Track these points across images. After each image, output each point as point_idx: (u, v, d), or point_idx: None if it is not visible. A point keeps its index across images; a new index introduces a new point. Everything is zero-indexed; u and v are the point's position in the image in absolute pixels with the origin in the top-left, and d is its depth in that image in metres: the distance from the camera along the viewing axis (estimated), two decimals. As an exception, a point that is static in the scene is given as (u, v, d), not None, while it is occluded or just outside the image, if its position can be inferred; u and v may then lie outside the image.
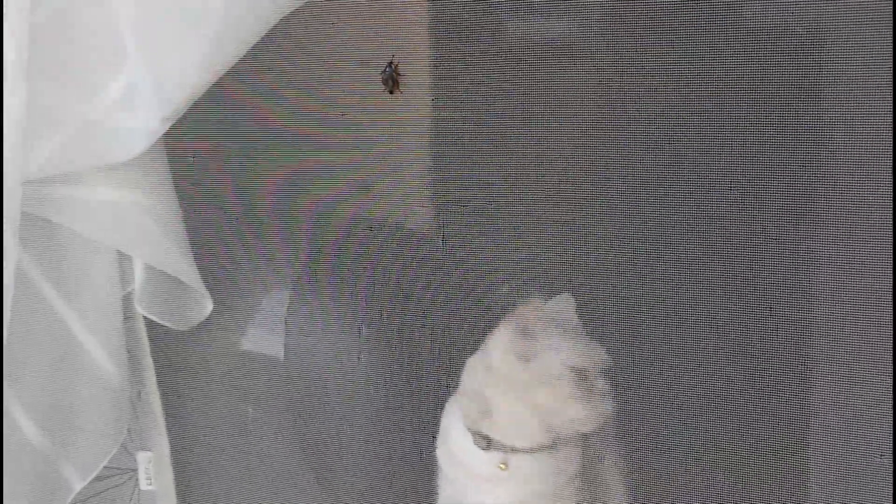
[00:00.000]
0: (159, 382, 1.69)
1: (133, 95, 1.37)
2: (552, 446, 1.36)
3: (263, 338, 1.71)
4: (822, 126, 1.37)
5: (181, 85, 1.35)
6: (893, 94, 1.26)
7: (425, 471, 1.45)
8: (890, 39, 1.26)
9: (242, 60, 1.38)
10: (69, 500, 1.58)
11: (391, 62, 1.49)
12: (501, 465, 1.37)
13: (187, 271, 1.57)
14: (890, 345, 1.30)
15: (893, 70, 1.25)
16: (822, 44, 1.35)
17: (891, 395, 1.31)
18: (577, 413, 1.33)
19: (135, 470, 1.71)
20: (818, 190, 1.37)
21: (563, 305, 1.43)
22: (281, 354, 1.70)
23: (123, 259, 1.58)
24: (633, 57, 1.47)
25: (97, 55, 1.36)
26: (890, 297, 1.29)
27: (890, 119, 1.27)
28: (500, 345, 1.36)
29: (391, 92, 1.51)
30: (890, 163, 1.27)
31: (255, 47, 1.38)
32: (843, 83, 1.35)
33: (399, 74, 1.50)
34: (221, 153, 1.65)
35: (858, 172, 1.35)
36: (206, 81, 1.34)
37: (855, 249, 1.35)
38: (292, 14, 1.35)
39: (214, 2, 1.27)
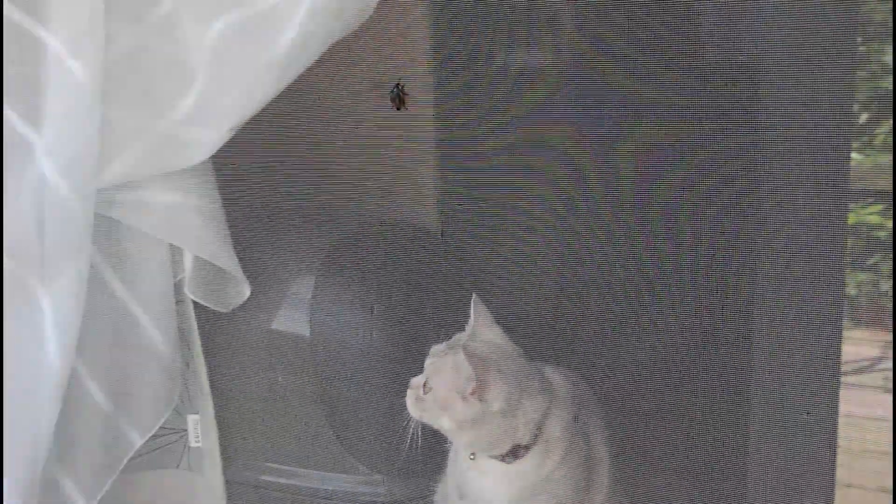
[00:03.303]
0: (205, 356, 1.78)
1: (202, 111, 1.47)
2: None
3: (292, 317, 1.79)
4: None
5: (246, 104, 1.44)
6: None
7: (429, 428, 1.48)
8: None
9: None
10: (131, 454, 1.71)
11: (398, 83, 1.61)
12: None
13: (229, 261, 1.67)
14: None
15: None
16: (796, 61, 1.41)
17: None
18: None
19: (185, 430, 1.80)
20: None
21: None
22: (307, 332, 1.79)
23: (175, 251, 1.68)
24: (617, 79, 1.56)
25: (168, 80, 1.47)
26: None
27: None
28: None
29: (398, 108, 1.62)
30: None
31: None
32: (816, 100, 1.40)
33: (405, 94, 1.61)
34: (258, 161, 1.74)
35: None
36: (268, 99, 1.44)
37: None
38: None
39: (280, 47, 1.37)
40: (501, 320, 1.60)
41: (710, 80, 1.51)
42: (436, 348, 1.51)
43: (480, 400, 1.44)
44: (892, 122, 1.33)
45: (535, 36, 1.64)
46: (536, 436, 1.49)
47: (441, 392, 1.46)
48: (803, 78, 1.40)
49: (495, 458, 1.50)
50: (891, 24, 1.30)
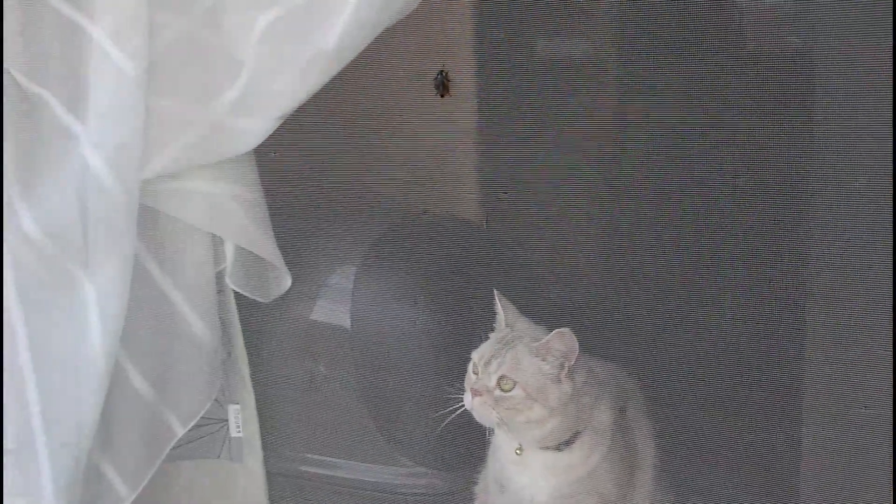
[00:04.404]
0: (246, 346, 1.79)
1: (249, 101, 1.48)
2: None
3: (333, 308, 1.81)
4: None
5: (294, 93, 1.46)
6: (893, 96, 1.31)
7: (470, 421, 1.48)
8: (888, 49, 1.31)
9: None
10: (172, 443, 1.72)
11: (442, 70, 1.63)
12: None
13: (270, 251, 1.68)
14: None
15: (893, 72, 1.31)
16: (821, 56, 1.43)
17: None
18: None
19: (226, 420, 1.82)
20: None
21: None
22: (348, 323, 1.81)
23: (216, 241, 1.69)
24: (664, 70, 1.56)
25: (214, 69, 1.48)
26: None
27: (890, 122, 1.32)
28: None
29: (442, 95, 1.64)
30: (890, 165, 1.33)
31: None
32: (842, 94, 1.42)
33: (448, 81, 1.63)
34: (300, 151, 1.74)
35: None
36: (315, 89, 1.46)
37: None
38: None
39: (329, 37, 1.39)
40: (546, 311, 1.60)
41: (760, 73, 1.50)
42: (482, 351, 1.50)
43: (570, 379, 1.45)
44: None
45: (579, 26, 1.64)
46: (587, 423, 1.49)
47: (531, 382, 1.44)
48: (857, 72, 1.40)
49: (551, 448, 1.49)
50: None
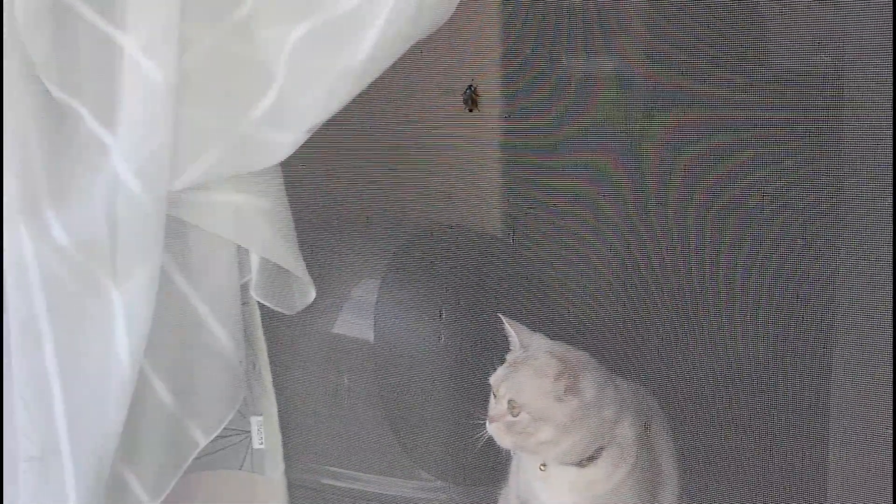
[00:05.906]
0: (270, 358, 1.80)
1: (280, 113, 1.49)
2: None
3: (357, 321, 1.82)
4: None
5: (324, 106, 1.47)
6: (893, 98, 1.30)
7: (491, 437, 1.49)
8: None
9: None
10: (195, 453, 1.73)
11: (471, 85, 1.63)
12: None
13: (295, 263, 1.68)
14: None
15: (893, 75, 1.30)
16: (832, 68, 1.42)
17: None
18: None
19: (248, 431, 1.83)
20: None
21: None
22: (371, 336, 1.82)
23: (242, 252, 1.69)
24: (689, 82, 1.57)
25: (245, 81, 1.49)
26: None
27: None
28: None
29: (470, 110, 1.64)
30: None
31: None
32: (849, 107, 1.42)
33: (477, 95, 1.63)
34: (325, 163, 1.75)
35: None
36: (346, 101, 1.47)
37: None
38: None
39: (360, 51, 1.40)
40: (570, 327, 1.63)
41: (783, 82, 1.50)
42: (496, 376, 1.51)
43: (575, 395, 1.44)
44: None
45: (608, 41, 1.65)
46: (611, 438, 1.49)
47: (534, 404, 1.44)
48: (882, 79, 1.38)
49: (573, 464, 1.49)
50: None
